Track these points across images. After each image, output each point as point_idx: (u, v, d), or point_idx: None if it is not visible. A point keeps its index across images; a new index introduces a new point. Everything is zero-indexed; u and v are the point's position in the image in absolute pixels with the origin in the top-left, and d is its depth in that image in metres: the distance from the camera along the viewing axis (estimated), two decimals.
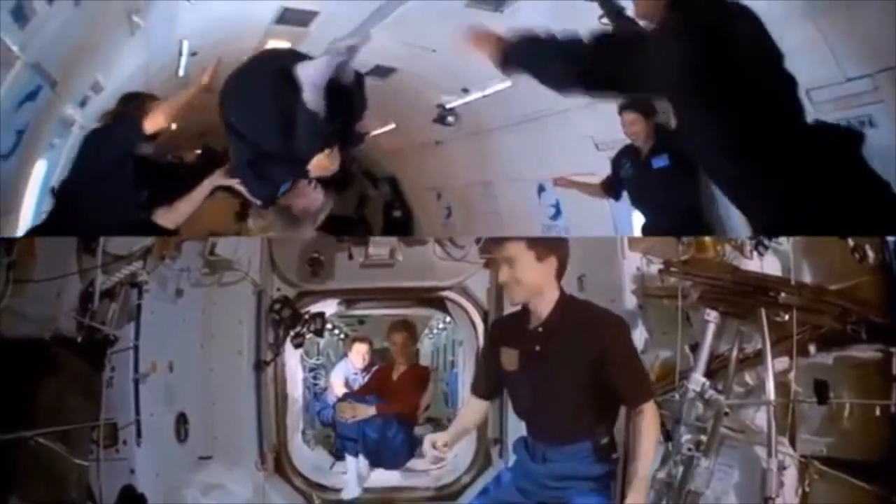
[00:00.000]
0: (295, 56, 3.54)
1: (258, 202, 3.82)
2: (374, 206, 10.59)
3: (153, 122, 3.65)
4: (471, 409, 3.41)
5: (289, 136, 3.40)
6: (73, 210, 3.70)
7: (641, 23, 2.85)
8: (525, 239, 2.98)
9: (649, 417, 2.88)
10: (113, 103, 4.01)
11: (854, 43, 3.60)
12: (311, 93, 3.30)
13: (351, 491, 5.43)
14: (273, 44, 6.41)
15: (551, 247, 3.03)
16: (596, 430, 2.98)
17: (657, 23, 2.64)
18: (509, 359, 3.10)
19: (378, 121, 3.90)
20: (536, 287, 3.00)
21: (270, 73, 3.44)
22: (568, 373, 2.94)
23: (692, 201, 4.76)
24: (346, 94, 3.55)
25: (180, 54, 6.30)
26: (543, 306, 3.02)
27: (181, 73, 6.66)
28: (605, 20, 3.19)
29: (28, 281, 3.20)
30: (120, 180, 3.74)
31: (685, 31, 2.47)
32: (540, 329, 3.02)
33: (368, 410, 5.64)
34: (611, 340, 2.93)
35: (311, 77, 3.31)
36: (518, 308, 3.15)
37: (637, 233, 5.70)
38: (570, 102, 5.96)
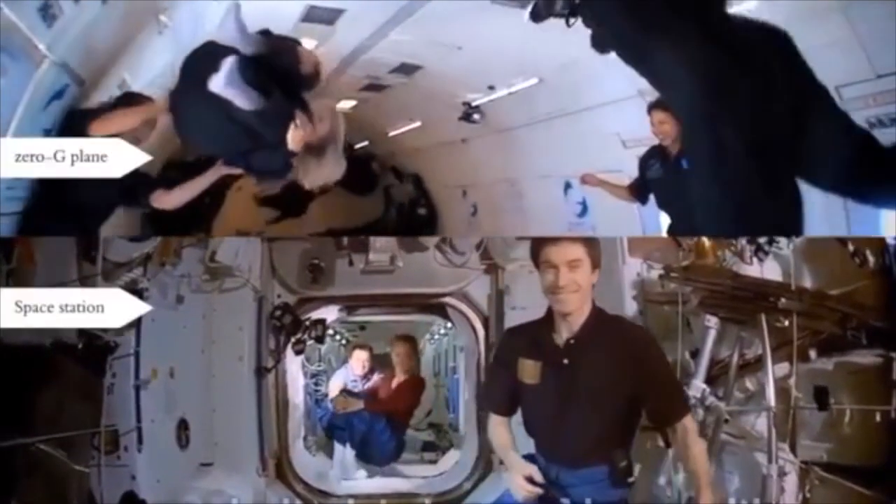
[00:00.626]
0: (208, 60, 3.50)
1: (273, 185, 3.92)
2: (399, 202, 10.56)
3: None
4: (502, 428, 3.08)
5: (247, 135, 3.55)
6: (58, 193, 3.66)
7: None
8: (585, 244, 2.82)
9: (692, 428, 2.79)
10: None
11: (885, 39, 3.48)
12: (237, 97, 3.38)
13: (334, 476, 5.87)
14: None
15: (600, 259, 2.86)
16: (615, 452, 2.83)
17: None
18: (530, 371, 2.90)
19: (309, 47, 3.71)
20: (586, 297, 2.83)
21: (197, 93, 3.48)
22: (597, 389, 2.78)
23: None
24: (266, 62, 3.57)
25: None
26: (578, 317, 2.84)
27: None
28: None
29: (29, 285, 3.20)
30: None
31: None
32: (572, 341, 2.84)
33: (357, 403, 6.33)
34: (645, 356, 2.82)
35: (223, 83, 3.35)
36: (539, 317, 2.97)
37: (665, 228, 5.63)
38: (596, 99, 5.91)
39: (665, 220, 5.48)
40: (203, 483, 4.63)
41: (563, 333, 2.86)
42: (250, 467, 5.00)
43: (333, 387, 7.07)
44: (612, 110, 5.99)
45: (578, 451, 2.85)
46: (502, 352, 3.13)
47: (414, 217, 10.12)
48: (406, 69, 6.92)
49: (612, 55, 4.61)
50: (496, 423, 3.08)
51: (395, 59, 6.68)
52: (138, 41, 4.88)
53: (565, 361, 2.83)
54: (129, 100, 3.97)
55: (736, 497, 3.09)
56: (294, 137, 3.59)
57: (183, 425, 4.53)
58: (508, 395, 3.01)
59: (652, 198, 5.08)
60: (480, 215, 8.99)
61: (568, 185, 6.98)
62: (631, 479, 2.86)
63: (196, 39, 5.78)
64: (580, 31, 5.01)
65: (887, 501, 2.55)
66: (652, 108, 4.68)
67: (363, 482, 6.15)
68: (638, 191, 5.05)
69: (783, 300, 2.93)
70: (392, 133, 9.41)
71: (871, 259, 2.98)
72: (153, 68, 5.58)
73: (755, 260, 3.42)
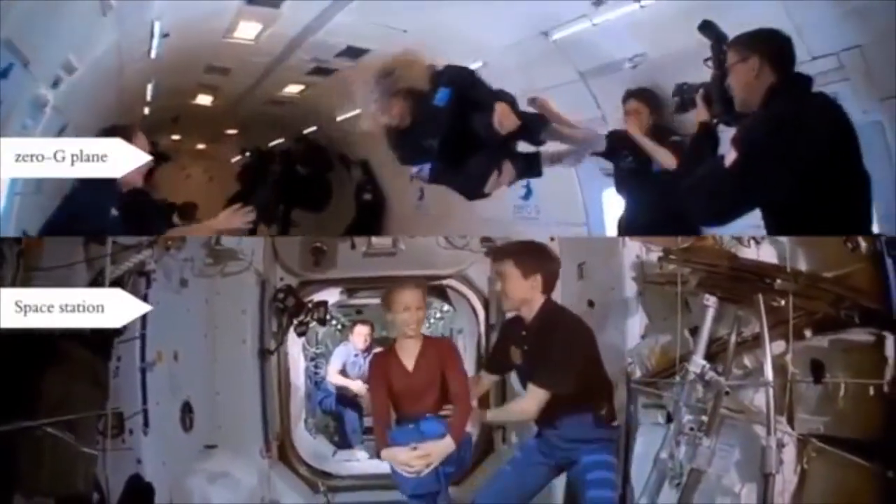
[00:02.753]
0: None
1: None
2: (346, 190, 10.59)
3: None
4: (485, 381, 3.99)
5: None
6: None
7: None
8: (514, 257, 3.49)
9: (534, 397, 3.44)
10: (86, 129, 3.90)
11: (818, 21, 3.60)
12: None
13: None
14: (245, 25, 6.39)
15: (538, 264, 3.50)
16: (593, 403, 3.50)
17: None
18: (515, 355, 3.64)
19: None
20: (522, 300, 3.53)
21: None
22: (551, 364, 3.42)
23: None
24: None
25: (152, 35, 6.28)
26: (530, 313, 3.54)
27: (153, 54, 6.64)
28: (709, 63, 3.10)
29: (36, 269, 3.23)
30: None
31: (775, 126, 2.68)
32: (524, 333, 3.57)
33: (445, 447, 3.52)
34: (568, 338, 3.48)
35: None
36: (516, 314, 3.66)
37: (606, 214, 5.71)
38: (542, 82, 5.98)
39: (607, 201, 5.53)
40: (207, 465, 4.67)
41: (524, 326, 3.57)
42: (254, 449, 5.05)
43: (333, 364, 7.16)
44: (556, 93, 5.98)
45: (563, 405, 3.45)
46: (499, 340, 3.91)
47: (361, 202, 10.13)
48: (352, 52, 6.90)
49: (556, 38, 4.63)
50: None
51: (342, 43, 6.67)
52: (83, 22, 4.86)
53: (526, 348, 3.56)
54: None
55: (737, 468, 3.17)
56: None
57: (187, 408, 4.57)
58: (502, 367, 3.84)
59: (594, 179, 5.08)
60: (427, 199, 8.99)
61: None
62: (615, 423, 3.58)
63: (141, 22, 5.80)
64: (523, 11, 5.06)
65: (883, 472, 2.62)
66: (629, 96, 4.66)
67: (365, 463, 6.23)
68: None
69: (779, 281, 3.02)
70: (340, 118, 9.41)
71: (863, 245, 3.04)
72: (98, 49, 5.58)
73: (752, 243, 3.47)
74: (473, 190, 4.01)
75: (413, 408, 3.68)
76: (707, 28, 3.09)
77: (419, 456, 3.48)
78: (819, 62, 3.43)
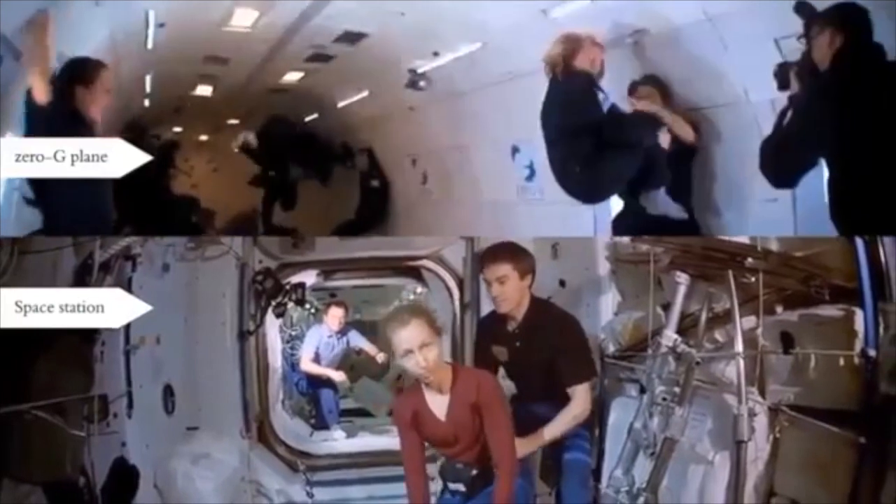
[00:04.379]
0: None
1: None
2: (351, 178, 10.60)
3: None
4: None
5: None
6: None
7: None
8: (511, 261, 3.59)
9: (579, 397, 3.56)
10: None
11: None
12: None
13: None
14: (240, 13, 6.34)
15: (530, 264, 3.67)
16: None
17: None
18: (500, 353, 3.76)
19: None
20: (518, 301, 3.65)
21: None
22: (544, 358, 3.60)
23: (684, 196, 4.49)
24: None
25: (147, 25, 6.22)
26: (518, 310, 3.67)
27: (150, 45, 6.58)
28: (802, 41, 3.20)
29: (28, 252, 3.24)
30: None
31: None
32: (517, 330, 3.69)
33: None
34: (562, 330, 3.66)
35: None
36: (491, 311, 3.80)
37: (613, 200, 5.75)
38: (540, 62, 5.98)
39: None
40: (190, 447, 4.74)
41: (513, 323, 3.70)
42: (234, 430, 5.12)
43: (306, 351, 7.17)
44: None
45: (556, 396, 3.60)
46: (479, 340, 4.03)
47: (367, 190, 10.17)
48: (350, 37, 6.84)
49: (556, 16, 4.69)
50: None
51: (339, 27, 6.60)
52: (76, 13, 4.81)
53: (518, 344, 3.68)
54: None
55: (710, 437, 3.27)
56: None
57: (168, 391, 4.63)
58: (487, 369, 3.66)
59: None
60: (430, 183, 8.99)
61: (515, 150, 7.05)
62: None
63: (135, 11, 5.73)
64: None
65: (855, 439, 2.71)
66: (639, 83, 4.57)
67: (342, 442, 6.31)
68: None
69: (750, 260, 3.09)
70: (341, 104, 9.39)
71: None
72: (92, 41, 5.52)
73: None
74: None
75: (458, 457, 3.19)
76: (801, 8, 3.22)
77: None
78: None
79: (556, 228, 5.40)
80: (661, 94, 4.47)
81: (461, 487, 3.22)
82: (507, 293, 3.61)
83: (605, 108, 4.10)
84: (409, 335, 2.89)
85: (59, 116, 3.43)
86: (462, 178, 8.11)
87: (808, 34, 3.15)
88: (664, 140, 4.23)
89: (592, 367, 3.74)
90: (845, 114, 2.87)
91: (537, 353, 3.63)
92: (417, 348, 2.90)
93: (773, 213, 3.99)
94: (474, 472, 3.17)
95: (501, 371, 3.81)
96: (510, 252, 3.65)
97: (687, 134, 4.34)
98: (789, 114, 3.15)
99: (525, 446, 3.39)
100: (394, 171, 9.81)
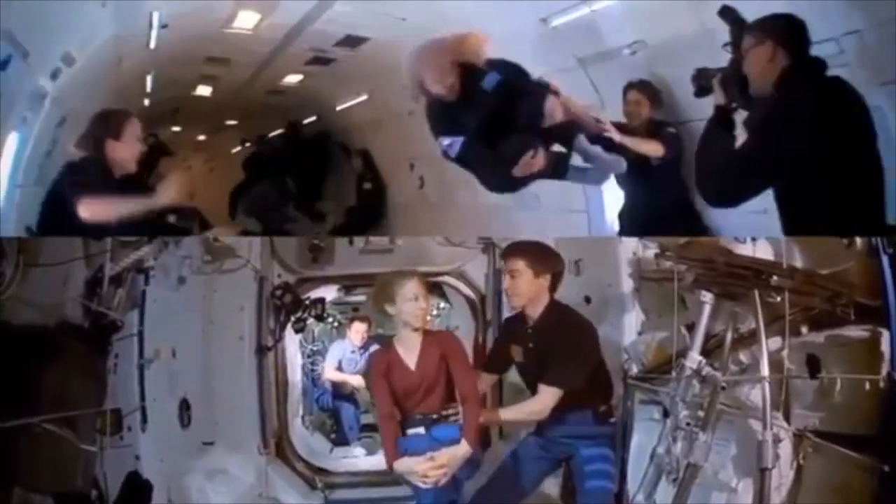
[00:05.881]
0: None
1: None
2: (347, 180, 10.62)
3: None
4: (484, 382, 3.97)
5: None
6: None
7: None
8: (527, 257, 3.61)
9: (545, 396, 3.51)
10: (85, 121, 3.74)
11: (818, 6, 3.54)
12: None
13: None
14: (243, 15, 6.36)
15: (549, 265, 3.66)
16: (593, 400, 3.64)
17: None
18: (516, 352, 3.76)
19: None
20: (531, 297, 3.64)
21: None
22: (556, 361, 3.52)
23: (680, 195, 4.60)
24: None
25: (150, 26, 6.27)
26: (535, 311, 3.67)
27: (152, 45, 6.62)
28: (728, 48, 3.12)
29: (35, 265, 3.23)
30: None
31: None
32: (530, 330, 3.68)
33: (462, 452, 3.39)
34: (570, 337, 3.59)
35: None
36: (518, 311, 3.78)
37: (607, 200, 5.62)
38: (540, 69, 5.96)
39: (608, 195, 5.52)
40: (205, 462, 4.69)
41: (529, 323, 3.69)
42: (252, 446, 5.06)
43: (329, 361, 7.16)
44: (554, 80, 5.90)
45: (562, 402, 3.51)
46: (499, 337, 4.19)
47: (361, 191, 10.16)
48: (351, 41, 6.85)
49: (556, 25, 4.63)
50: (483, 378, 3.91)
51: (340, 31, 6.61)
52: (82, 13, 4.84)
53: (531, 345, 3.67)
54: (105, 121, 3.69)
55: (733, 463, 3.18)
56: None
57: (185, 405, 4.58)
58: (502, 366, 3.94)
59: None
60: (427, 188, 8.98)
61: None
62: (613, 419, 3.73)
63: (139, 12, 5.78)
64: (520, 2, 5.04)
65: (879, 466, 2.63)
66: (629, 87, 4.69)
67: (362, 459, 6.24)
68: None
69: (775, 278, 3.02)
70: (340, 107, 9.41)
71: (858, 240, 3.05)
72: (97, 40, 5.56)
73: (748, 239, 3.49)
74: (502, 171, 3.84)
75: (418, 408, 3.51)
76: (726, 13, 3.14)
77: (436, 466, 3.33)
78: (819, 47, 3.43)
79: (552, 234, 5.35)
80: (649, 101, 4.62)
81: (420, 431, 3.49)
82: (518, 287, 3.62)
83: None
84: (416, 287, 3.50)
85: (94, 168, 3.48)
86: (459, 183, 8.05)
87: (738, 43, 3.04)
88: (621, 166, 4.15)
89: (576, 378, 3.51)
90: (801, 140, 2.69)
91: (546, 356, 3.57)
92: (422, 297, 3.50)
93: (763, 225, 3.89)
94: (434, 416, 3.51)
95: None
96: (529, 249, 3.69)
97: (655, 151, 4.44)
98: (742, 134, 2.98)
99: (482, 416, 3.52)
100: (391, 174, 9.80)
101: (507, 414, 3.73)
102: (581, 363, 3.56)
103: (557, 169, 4.01)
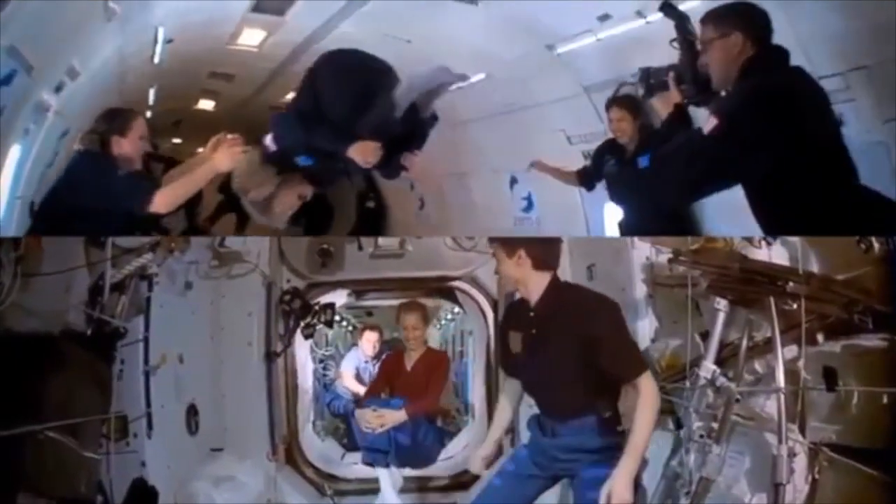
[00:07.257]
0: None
1: (273, 147, 4.02)
2: (348, 197, 10.58)
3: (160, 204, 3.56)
4: (504, 401, 3.66)
5: (359, 112, 3.82)
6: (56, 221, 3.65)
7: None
8: (500, 242, 3.34)
9: (646, 389, 3.04)
10: (90, 121, 3.81)
11: (826, 41, 3.60)
12: (406, 87, 3.83)
13: (389, 499, 5.10)
14: (249, 32, 6.40)
15: (518, 244, 3.30)
16: (598, 404, 3.17)
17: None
18: (515, 342, 3.38)
19: (417, 168, 4.03)
20: (513, 279, 3.32)
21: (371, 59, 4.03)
22: (562, 353, 3.16)
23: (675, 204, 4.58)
24: (419, 120, 4.04)
25: (156, 41, 6.28)
26: (532, 294, 3.29)
27: (156, 59, 6.65)
28: (675, 44, 3.06)
29: (36, 275, 3.20)
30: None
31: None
32: (532, 314, 3.29)
33: (398, 416, 4.89)
34: (601, 323, 3.13)
35: (415, 76, 3.83)
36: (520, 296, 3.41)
37: (608, 226, 5.71)
38: (546, 95, 5.95)
39: (609, 214, 5.52)
40: (213, 469, 4.64)
41: (530, 307, 3.30)
42: (260, 452, 5.01)
43: (345, 370, 7.12)
44: (559, 107, 6.04)
45: (563, 406, 3.23)
46: (502, 324, 3.76)
47: (363, 210, 10.12)
48: None
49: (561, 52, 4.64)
50: (502, 394, 3.66)
51: None
52: (87, 27, 4.86)
53: (533, 332, 3.28)
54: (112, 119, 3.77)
55: (747, 477, 3.10)
56: (363, 147, 3.84)
57: (192, 411, 4.54)
58: (507, 359, 3.55)
59: (597, 191, 5.10)
60: (428, 209, 8.96)
61: (514, 181, 6.98)
62: (620, 428, 3.17)
63: (145, 27, 5.80)
64: (528, 25, 5.06)
65: (893, 482, 2.55)
66: (611, 104, 4.70)
67: None
68: (587, 177, 5.09)
69: (791, 284, 2.94)
70: None
71: (876, 246, 2.96)
72: (101, 54, 5.58)
73: (763, 244, 3.41)
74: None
75: (398, 391, 5.13)
76: (667, 9, 3.07)
77: (376, 416, 4.94)
78: (825, 82, 3.39)
79: None
80: (631, 116, 4.63)
81: (386, 399, 5.09)
82: (499, 271, 3.38)
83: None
84: (411, 319, 5.20)
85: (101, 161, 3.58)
86: (459, 204, 8.11)
87: (689, 38, 3.00)
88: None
89: (642, 357, 3.24)
90: (771, 128, 2.60)
91: (554, 345, 3.20)
92: (411, 328, 5.19)
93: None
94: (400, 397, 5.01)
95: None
96: (524, 241, 3.39)
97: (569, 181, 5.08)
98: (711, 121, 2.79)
99: (626, 464, 2.97)
100: (392, 194, 9.80)
101: (643, 433, 3.02)
102: (631, 339, 3.31)
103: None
